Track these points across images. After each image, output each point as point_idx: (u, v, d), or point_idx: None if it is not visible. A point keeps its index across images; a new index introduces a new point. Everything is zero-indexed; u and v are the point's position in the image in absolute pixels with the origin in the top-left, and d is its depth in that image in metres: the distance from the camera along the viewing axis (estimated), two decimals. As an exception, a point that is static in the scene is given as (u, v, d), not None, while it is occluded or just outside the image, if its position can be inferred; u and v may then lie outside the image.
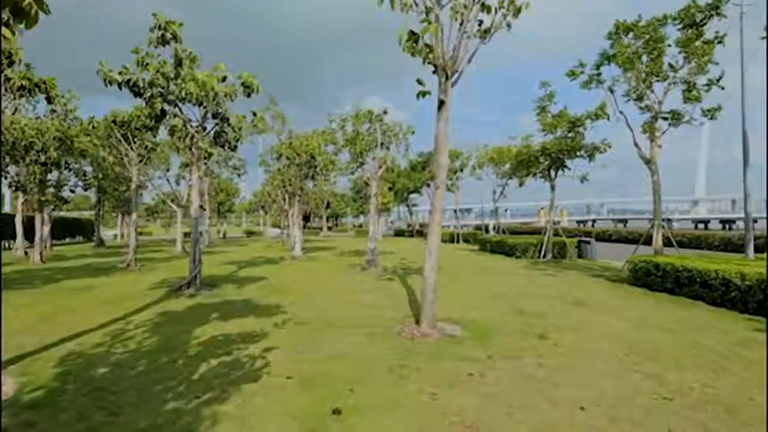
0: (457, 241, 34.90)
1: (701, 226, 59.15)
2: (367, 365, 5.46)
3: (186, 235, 47.95)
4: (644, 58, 13.87)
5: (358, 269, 15.87)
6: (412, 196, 49.63)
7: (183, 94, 10.00)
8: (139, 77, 9.57)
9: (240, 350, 6.00)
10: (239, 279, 13.36)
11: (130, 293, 10.65)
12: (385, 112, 15.83)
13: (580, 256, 21.36)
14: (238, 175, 32.48)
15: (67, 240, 37.94)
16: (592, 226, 68.99)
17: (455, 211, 75.67)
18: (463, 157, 35.86)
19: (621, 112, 14.90)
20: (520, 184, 28.93)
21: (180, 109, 10.86)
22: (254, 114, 12.12)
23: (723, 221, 58.97)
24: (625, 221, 72.64)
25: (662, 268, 11.04)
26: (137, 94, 9.84)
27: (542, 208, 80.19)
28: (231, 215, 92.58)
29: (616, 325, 7.46)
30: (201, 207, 34.52)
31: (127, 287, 11.60)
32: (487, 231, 38.45)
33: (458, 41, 6.71)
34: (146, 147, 15.28)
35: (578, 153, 19.39)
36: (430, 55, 6.69)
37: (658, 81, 13.90)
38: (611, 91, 14.81)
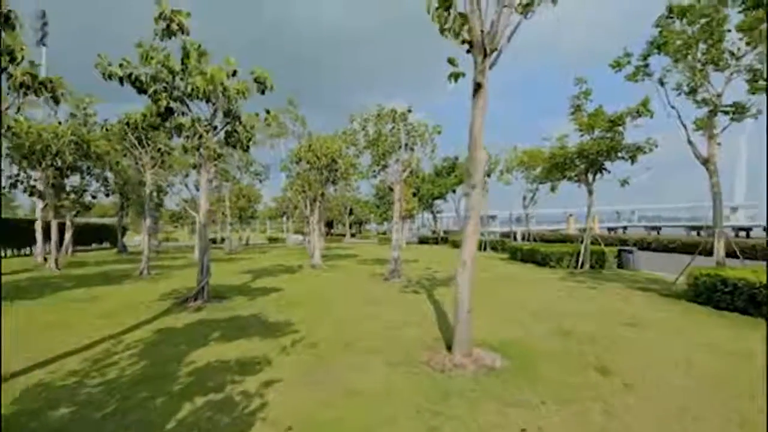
0: (485, 249, 33.31)
1: (742, 234, 55.34)
2: (389, 408, 4.32)
3: (212, 241, 48.14)
4: (700, 45, 12.34)
5: (380, 279, 14.75)
6: (436, 202, 48.43)
7: (189, 89, 9.20)
8: (142, 71, 8.81)
9: (235, 384, 4.96)
10: (252, 290, 12.46)
11: (133, 305, 9.86)
12: (409, 111, 14.75)
13: (620, 267, 19.64)
14: (260, 181, 31.92)
15: (94, 246, 38.33)
16: (624, 232, 65.86)
17: (480, 218, 73.82)
18: (491, 161, 34.42)
19: (672, 107, 13.34)
20: (552, 189, 27.36)
21: (188, 107, 10.08)
22: (267, 112, 11.27)
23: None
24: (658, 228, 69.09)
25: (732, 284, 9.47)
26: (141, 90, 9.08)
27: (571, 215, 77.22)
28: (254, 221, 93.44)
29: (690, 355, 6.07)
30: (222, 213, 34.32)
31: (132, 298, 10.83)
32: (515, 239, 36.66)
33: (497, 14, 5.57)
34: (159, 150, 14.68)
35: (619, 154, 17.85)
36: (464, 29, 5.58)
37: (717, 70, 12.33)
38: (662, 83, 13.28)
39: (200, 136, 10.00)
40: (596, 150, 17.56)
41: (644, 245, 33.52)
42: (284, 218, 56.17)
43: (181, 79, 9.48)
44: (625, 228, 76.88)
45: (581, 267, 18.73)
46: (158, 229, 31.15)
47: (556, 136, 19.17)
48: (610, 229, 73.24)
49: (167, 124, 9.66)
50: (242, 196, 32.61)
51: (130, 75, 8.56)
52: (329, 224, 71.67)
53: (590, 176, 19.22)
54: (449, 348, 6.36)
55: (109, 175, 23.83)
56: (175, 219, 44.85)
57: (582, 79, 18.32)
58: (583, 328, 7.57)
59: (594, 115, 18.05)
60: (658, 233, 59.30)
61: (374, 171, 15.41)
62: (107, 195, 24.43)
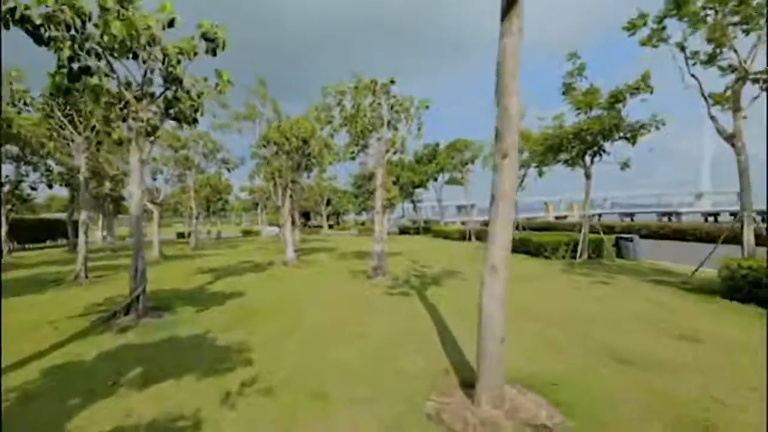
0: (469, 239, 31.73)
1: (711, 219, 56.17)
2: None
3: (180, 235, 44.76)
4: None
5: (362, 278, 12.74)
6: (417, 191, 46.54)
7: (106, 39, 6.88)
8: (35, 12, 6.43)
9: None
10: (207, 296, 10.25)
11: (38, 324, 7.52)
12: (392, 82, 12.65)
13: (619, 256, 18.25)
14: (228, 170, 29.13)
15: (48, 244, 34.89)
16: (598, 219, 65.81)
17: (458, 207, 72.44)
18: (474, 147, 32.72)
19: (693, 75, 11.67)
20: (540, 174, 25.85)
21: (111, 67, 7.72)
22: (220, 76, 8.98)
23: (733, 213, 56.06)
24: (632, 215, 69.56)
25: (784, 278, 7.90)
26: (36, 38, 6.70)
27: (546, 203, 76.78)
28: (230, 214, 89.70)
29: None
30: (187, 206, 31.46)
31: (45, 313, 8.47)
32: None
33: None
34: (94, 129, 12.17)
35: (620, 134, 16.29)
36: None
37: (746, 31, 10.69)
38: (682, 48, 11.59)
39: (126, 103, 7.68)
40: (597, 129, 15.92)
41: (634, 232, 32.30)
42: (258, 209, 53.33)
43: (96, 25, 7.13)
44: (599, 215, 77.15)
45: (579, 257, 17.17)
46: (113, 224, 28.06)
47: (552, 116, 17.39)
48: (584, 216, 72.96)
49: (78, 87, 7.30)
50: (208, 185, 29.77)
51: (11, 11, 6.15)
52: (306, 215, 69.00)
53: (588, 159, 17.64)
54: (465, 384, 4.46)
55: (52, 163, 20.88)
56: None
57: (575, 54, 16.60)
58: (635, 348, 5.75)
59: (589, 92, 16.44)
60: (632, 220, 59.44)
61: (352, 152, 13.28)
62: (50, 186, 21.44)
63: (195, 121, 9.08)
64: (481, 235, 32.13)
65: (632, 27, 11.85)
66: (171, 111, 8.72)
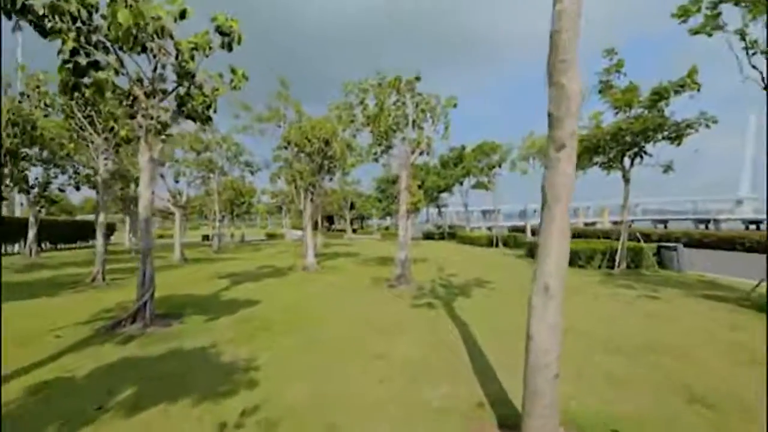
0: (496, 245, 30.56)
1: (752, 227, 52.54)
2: None
3: (205, 238, 45.10)
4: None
5: (385, 286, 12.01)
6: (442, 195, 45.55)
7: (112, 30, 6.43)
8: (36, 1, 6.03)
9: None
10: (219, 304, 9.73)
11: (45, 331, 7.12)
12: (417, 79, 11.94)
13: (661, 266, 16.91)
14: (251, 173, 28.98)
15: (79, 244, 35.65)
16: (630, 226, 62.31)
17: (483, 212, 70.68)
18: (501, 151, 31.55)
19: (754, 67, 10.47)
20: (573, 179, 24.57)
21: (121, 62, 7.31)
22: (234, 72, 8.48)
23: None
24: (665, 222, 66.07)
25: None
26: (40, 29, 6.32)
27: (575, 209, 73.89)
28: (255, 217, 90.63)
29: None
30: (210, 209, 31.49)
31: (55, 318, 8.09)
32: (533, 234, 33.70)
33: None
34: (112, 130, 11.93)
35: (665, 133, 15.07)
36: None
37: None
38: (742, 36, 10.42)
39: (134, 99, 7.24)
40: (639, 129, 14.75)
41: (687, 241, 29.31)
42: (282, 213, 53.44)
43: (103, 16, 6.71)
44: (631, 222, 73.07)
45: (617, 267, 15.92)
46: (104, 225, 28.26)
47: (588, 116, 16.24)
48: (614, 223, 70.08)
49: (86, 83, 6.89)
50: (232, 188, 29.72)
51: (12, 1, 5.76)
52: (330, 219, 68.90)
53: (627, 161, 16.43)
54: (506, 426, 3.67)
55: (80, 165, 21.10)
56: (164, 215, 42.15)
57: (612, 50, 15.52)
58: (716, 384, 4.80)
59: (629, 90, 15.33)
60: (665, 227, 56.25)
61: (375, 153, 12.60)
62: (77, 188, 21.67)
63: (209, 119, 8.59)
64: (509, 242, 30.89)
65: (684, 13, 10.75)
66: (183, 109, 8.27)
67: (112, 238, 44.49)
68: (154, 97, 7.80)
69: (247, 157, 28.51)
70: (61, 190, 21.46)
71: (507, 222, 58.34)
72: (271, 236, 50.43)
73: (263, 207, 41.53)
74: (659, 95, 14.64)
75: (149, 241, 7.74)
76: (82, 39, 6.49)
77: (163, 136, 8.05)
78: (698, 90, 14.41)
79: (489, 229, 57.25)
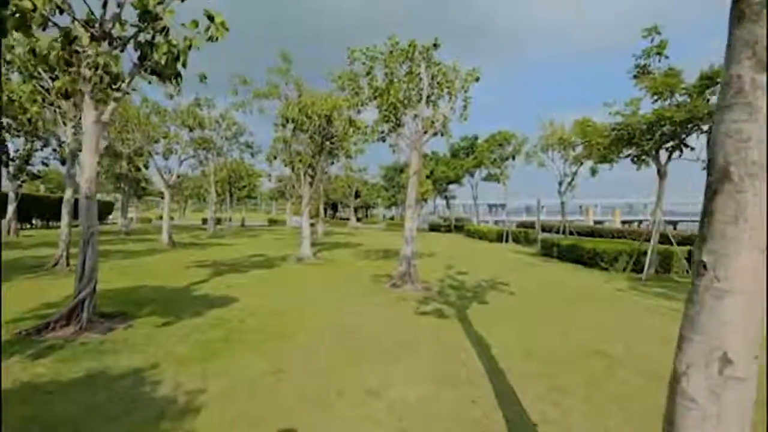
0: (506, 241, 28.88)
1: None
2: None
3: (205, 221, 43.66)
4: None
5: (387, 285, 10.41)
6: (450, 186, 43.76)
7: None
8: None
9: None
10: (189, 300, 8.18)
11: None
12: (435, 46, 10.19)
13: (689, 271, 15.16)
14: (252, 155, 27.33)
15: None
16: (638, 226, 61.10)
17: (490, 206, 68.51)
18: (516, 142, 29.60)
19: None
20: (593, 173, 22.72)
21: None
22: (210, 18, 6.77)
23: None
24: (675, 223, 64.11)
25: None
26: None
27: (583, 206, 71.38)
28: (260, 202, 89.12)
29: None
30: (218, 196, 29.81)
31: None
32: (559, 231, 31.82)
33: None
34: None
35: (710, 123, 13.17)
36: None
37: None
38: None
39: (73, 40, 5.59)
40: (685, 118, 12.91)
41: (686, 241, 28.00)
42: (286, 198, 51.90)
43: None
44: (640, 222, 71.08)
45: (646, 271, 14.15)
46: (128, 206, 26.86)
47: (625, 101, 14.31)
48: (624, 222, 68.01)
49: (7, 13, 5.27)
50: (231, 170, 28.13)
51: None
52: (334, 207, 67.36)
53: (663, 154, 14.59)
54: None
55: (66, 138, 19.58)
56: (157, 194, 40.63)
57: (654, 28, 13.61)
58: None
59: (670, 74, 13.48)
60: (675, 228, 53.97)
61: (382, 132, 10.91)
62: (62, 162, 20.19)
63: (177, 76, 6.93)
64: (519, 238, 29.16)
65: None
66: (147, 61, 6.61)
67: (111, 217, 43.30)
68: (106, 41, 6.15)
69: (248, 138, 26.92)
70: (45, 164, 20.01)
71: (511, 217, 56.44)
72: (273, 222, 48.98)
73: (265, 192, 40.06)
74: (710, 79, 12.80)
75: (92, 223, 6.14)
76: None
77: (118, 94, 6.41)
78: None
79: (496, 222, 55.45)
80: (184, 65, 6.83)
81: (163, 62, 6.47)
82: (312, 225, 31.78)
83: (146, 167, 19.44)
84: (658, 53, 13.75)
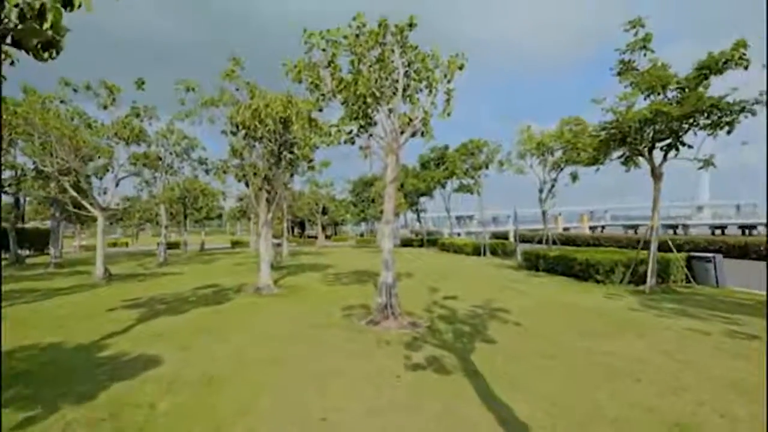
0: (484, 254, 27.41)
1: (718, 231, 53.32)
2: None
3: (172, 246, 39.90)
4: None
5: (363, 322, 8.30)
6: (421, 200, 42.21)
7: None
8: None
9: None
10: (83, 370, 5.79)
11: None
12: (411, 26, 8.41)
13: (689, 280, 13.99)
14: (206, 172, 24.59)
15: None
16: (602, 231, 62.36)
17: (458, 218, 67.16)
18: (489, 149, 28.38)
19: None
20: (574, 179, 21.53)
21: None
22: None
23: (742, 227, 54.14)
24: (635, 227, 66.60)
25: None
26: None
27: (559, 215, 71.62)
28: (225, 223, 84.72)
29: None
30: (169, 218, 26.75)
31: None
32: (542, 242, 30.63)
33: None
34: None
35: (713, 119, 12.11)
36: None
37: None
38: None
39: None
40: (686, 112, 11.71)
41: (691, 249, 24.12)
42: (248, 217, 48.71)
43: None
44: (603, 227, 72.31)
45: (648, 283, 12.68)
46: (60, 233, 23.49)
47: (618, 96, 12.93)
48: (590, 228, 69.04)
49: None
50: (182, 189, 25.30)
51: None
52: (302, 225, 64.38)
53: (658, 154, 13.36)
54: None
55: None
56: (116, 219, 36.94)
57: (638, 21, 12.54)
58: None
59: (659, 68, 12.41)
60: (635, 232, 54.84)
61: (350, 133, 8.92)
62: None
63: (50, 47, 4.74)
64: (497, 250, 27.75)
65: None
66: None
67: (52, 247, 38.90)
68: None
69: (201, 154, 24.27)
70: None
71: (480, 228, 55.46)
72: (236, 243, 45.67)
73: (230, 212, 37.01)
74: (709, 69, 11.68)
75: None
76: None
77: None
78: (746, 68, 11.62)
79: (468, 234, 54.15)
80: (58, 32, 4.64)
81: (15, 19, 4.27)
82: (278, 245, 29.34)
83: (78, 189, 16.60)
84: (644, 47, 12.65)
